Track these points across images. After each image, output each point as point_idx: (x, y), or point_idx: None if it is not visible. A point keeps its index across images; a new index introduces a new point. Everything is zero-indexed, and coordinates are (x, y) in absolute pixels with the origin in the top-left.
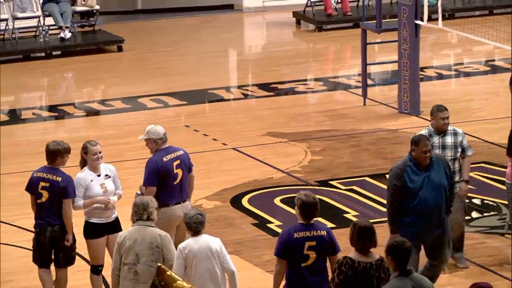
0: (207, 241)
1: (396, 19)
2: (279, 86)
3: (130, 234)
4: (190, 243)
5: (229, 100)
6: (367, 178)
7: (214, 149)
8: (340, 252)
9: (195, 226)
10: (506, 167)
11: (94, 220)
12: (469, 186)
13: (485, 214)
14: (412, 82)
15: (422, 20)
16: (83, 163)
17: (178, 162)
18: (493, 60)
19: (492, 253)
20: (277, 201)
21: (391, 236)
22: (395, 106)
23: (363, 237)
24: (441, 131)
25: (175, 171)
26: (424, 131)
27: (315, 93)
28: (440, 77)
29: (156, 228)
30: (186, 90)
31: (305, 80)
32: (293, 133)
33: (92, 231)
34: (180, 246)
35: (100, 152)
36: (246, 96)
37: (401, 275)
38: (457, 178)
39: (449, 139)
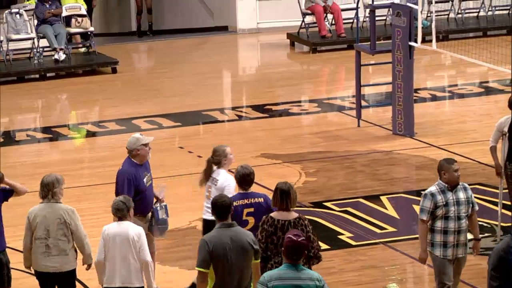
0: (127, 228)
1: (390, 41)
2: (273, 108)
3: (39, 211)
4: (112, 226)
5: (223, 121)
6: (361, 200)
7: None
8: (334, 274)
9: (114, 212)
10: (498, 188)
11: (209, 217)
12: None
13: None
14: (406, 104)
15: (416, 41)
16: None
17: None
18: (487, 82)
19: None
20: None
21: None
22: (389, 128)
23: (284, 197)
24: (455, 185)
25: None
26: (433, 188)
27: (309, 114)
28: (434, 98)
29: (63, 204)
30: (180, 112)
31: (299, 101)
32: (287, 154)
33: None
34: (104, 227)
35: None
36: (240, 117)
37: None
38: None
39: (461, 195)
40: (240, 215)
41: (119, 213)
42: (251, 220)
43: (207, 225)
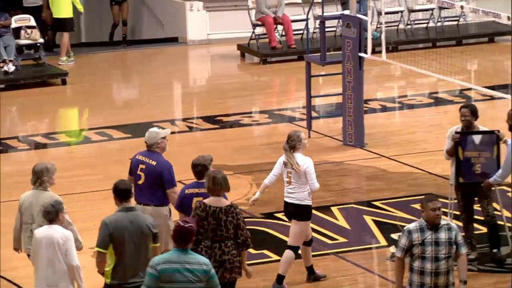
0: (54, 231)
1: (340, 52)
2: (224, 119)
3: (27, 197)
4: (42, 229)
5: (174, 133)
6: (312, 210)
7: None
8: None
9: (43, 215)
10: (449, 199)
11: (311, 203)
12: (414, 218)
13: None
14: (357, 115)
15: (366, 52)
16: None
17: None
18: (437, 93)
19: None
20: None
21: None
22: (339, 139)
23: (217, 184)
24: (433, 224)
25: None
26: (413, 225)
27: (260, 125)
28: (384, 109)
29: (49, 193)
30: (131, 123)
31: (250, 112)
32: (238, 165)
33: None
34: (36, 230)
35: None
36: (191, 129)
37: None
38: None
39: (443, 235)
40: (189, 203)
41: (48, 216)
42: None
43: (287, 207)
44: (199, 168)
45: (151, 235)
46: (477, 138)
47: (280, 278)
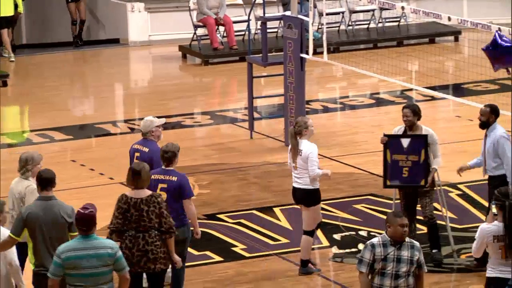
0: None
1: (282, 53)
2: (166, 120)
3: (12, 183)
4: None
5: (115, 134)
6: (255, 211)
7: (101, 183)
8: (228, 286)
9: None
10: (391, 199)
11: (318, 186)
12: (356, 218)
13: None
14: (298, 115)
15: (307, 53)
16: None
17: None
18: (378, 93)
19: None
20: None
21: None
22: (281, 139)
23: (135, 177)
24: (399, 240)
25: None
26: (376, 239)
27: (202, 126)
28: (326, 110)
29: (28, 182)
30: (72, 125)
31: (192, 114)
32: (180, 167)
33: (319, 197)
34: None
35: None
36: (132, 130)
37: None
38: None
39: (405, 253)
40: (154, 189)
41: None
42: (164, 195)
43: (295, 193)
44: (169, 155)
45: (67, 224)
46: (405, 142)
47: (303, 262)
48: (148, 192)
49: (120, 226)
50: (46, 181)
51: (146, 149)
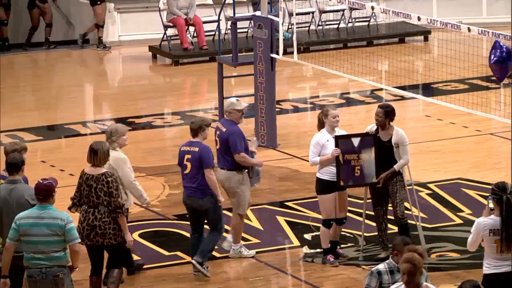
0: None
1: (252, 53)
2: (136, 121)
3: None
4: None
5: (85, 135)
6: (225, 211)
7: (71, 184)
8: (199, 287)
9: None
10: (362, 199)
11: (326, 177)
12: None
13: (342, 246)
14: (269, 115)
15: (277, 53)
16: (321, 126)
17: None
18: (348, 93)
19: (349, 284)
20: (135, 235)
21: None
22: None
23: (92, 155)
24: None
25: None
26: (382, 266)
27: (173, 127)
28: (296, 110)
29: (116, 151)
30: (42, 126)
31: (162, 114)
32: (151, 167)
33: (325, 187)
34: None
35: (338, 116)
36: (103, 131)
37: None
38: None
39: None
40: (181, 160)
41: None
42: (189, 165)
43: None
44: (193, 127)
45: (30, 207)
46: (356, 141)
47: (326, 250)
48: (101, 170)
49: (77, 200)
50: (11, 166)
51: (224, 129)
